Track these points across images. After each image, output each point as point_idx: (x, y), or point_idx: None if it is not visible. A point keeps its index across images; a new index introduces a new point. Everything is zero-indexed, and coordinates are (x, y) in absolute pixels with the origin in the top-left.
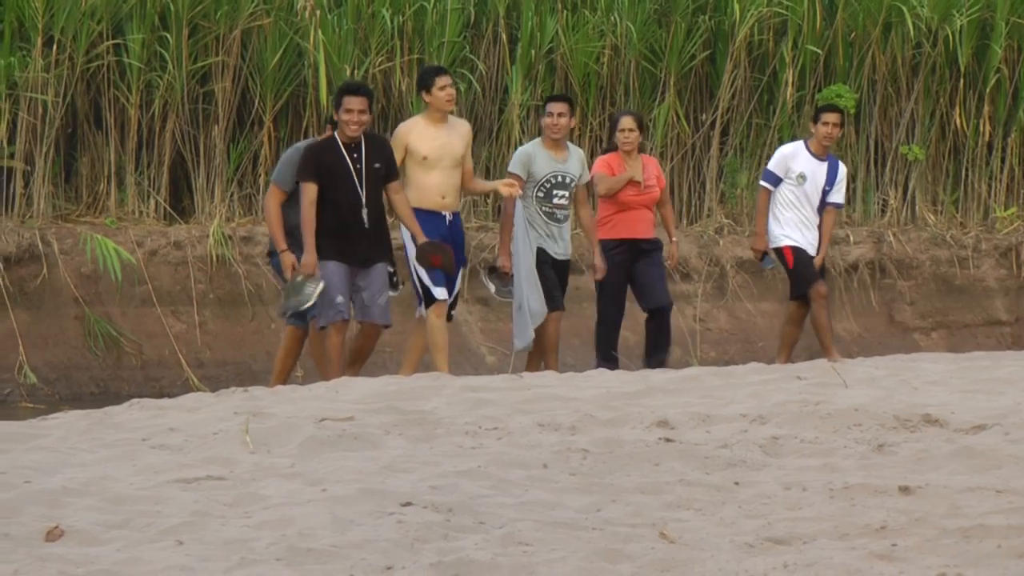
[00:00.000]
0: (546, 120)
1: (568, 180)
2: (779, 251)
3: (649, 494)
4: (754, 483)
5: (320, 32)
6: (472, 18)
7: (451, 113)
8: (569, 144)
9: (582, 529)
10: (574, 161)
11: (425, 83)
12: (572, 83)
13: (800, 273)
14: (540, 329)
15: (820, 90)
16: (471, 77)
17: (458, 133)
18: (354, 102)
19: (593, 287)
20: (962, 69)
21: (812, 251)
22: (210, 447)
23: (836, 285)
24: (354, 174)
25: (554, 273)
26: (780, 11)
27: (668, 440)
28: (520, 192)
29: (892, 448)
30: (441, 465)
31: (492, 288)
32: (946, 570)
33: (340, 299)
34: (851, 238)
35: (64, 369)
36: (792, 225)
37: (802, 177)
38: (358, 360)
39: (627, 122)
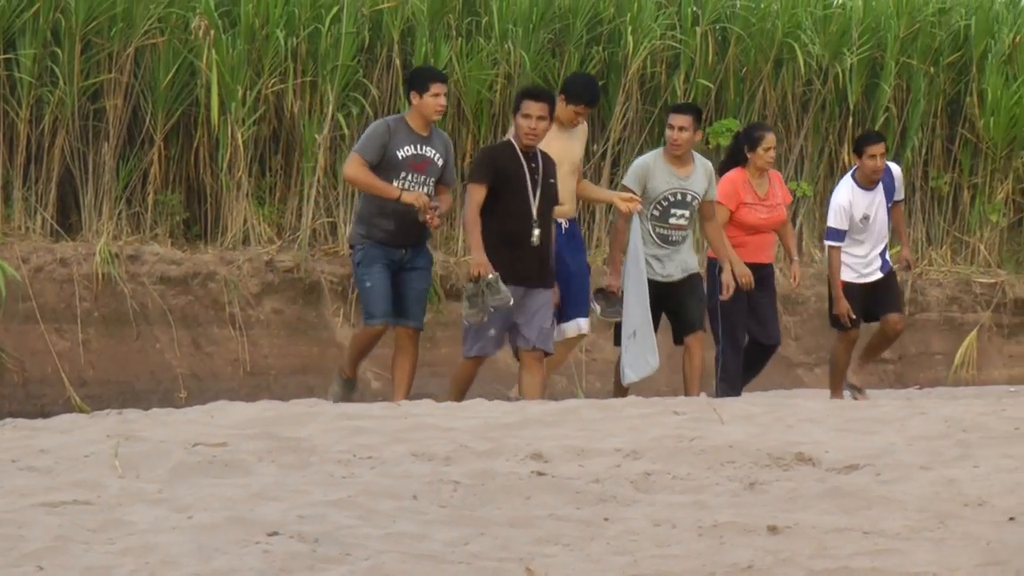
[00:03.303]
0: (667, 133)
1: (690, 198)
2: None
3: (518, 528)
4: (623, 519)
5: (214, 52)
6: (366, 42)
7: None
8: (696, 156)
9: (448, 562)
10: (699, 176)
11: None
12: (464, 110)
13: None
14: (684, 357)
15: (711, 124)
16: (364, 102)
17: (578, 134)
18: (534, 107)
19: None
20: (851, 107)
21: (871, 279)
22: (79, 470)
23: None
24: (530, 185)
25: (665, 303)
26: (673, 44)
27: (540, 473)
28: (640, 207)
29: (763, 486)
30: (311, 494)
31: (597, 310)
32: None
33: (493, 332)
34: None
35: None
36: (853, 266)
37: (866, 219)
38: (538, 389)
39: (772, 139)
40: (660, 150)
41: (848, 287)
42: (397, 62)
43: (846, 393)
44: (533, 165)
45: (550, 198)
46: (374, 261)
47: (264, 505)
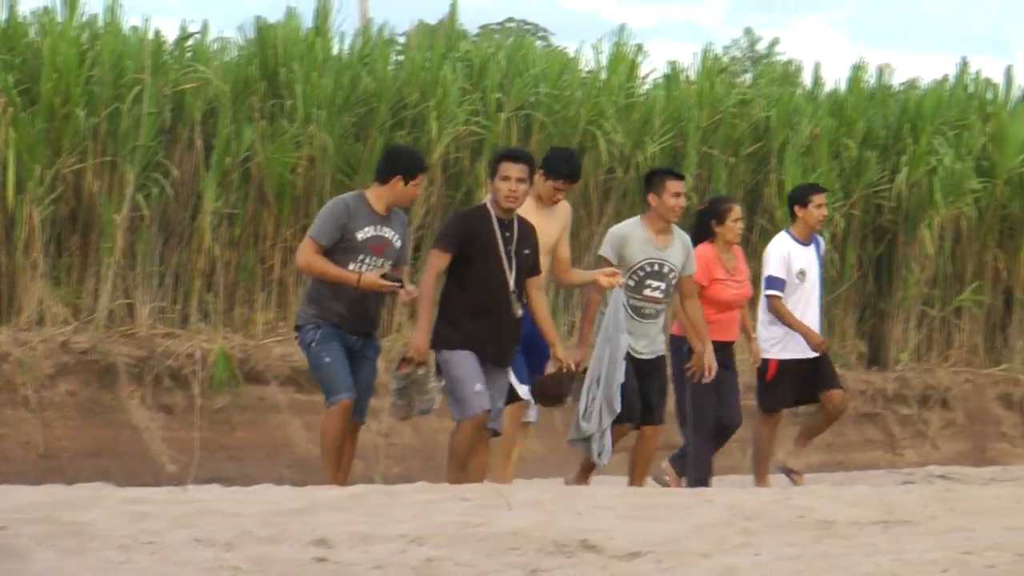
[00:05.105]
0: (665, 200)
1: (666, 270)
2: (765, 360)
3: None
4: None
5: (11, 130)
6: (168, 123)
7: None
8: (675, 228)
9: None
10: (676, 249)
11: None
12: (267, 193)
13: (773, 391)
14: (636, 443)
15: None
16: (164, 182)
17: (556, 215)
18: (513, 169)
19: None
20: None
21: (808, 354)
22: None
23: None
24: (504, 255)
25: (636, 379)
26: (477, 130)
27: (322, 560)
28: (622, 282)
29: (545, 573)
30: None
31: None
32: None
33: (479, 387)
34: None
35: None
36: (784, 341)
37: (802, 274)
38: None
39: (738, 210)
40: (638, 218)
41: (783, 366)
42: (199, 143)
43: (779, 476)
44: (508, 234)
45: (524, 269)
46: (330, 339)
47: None
